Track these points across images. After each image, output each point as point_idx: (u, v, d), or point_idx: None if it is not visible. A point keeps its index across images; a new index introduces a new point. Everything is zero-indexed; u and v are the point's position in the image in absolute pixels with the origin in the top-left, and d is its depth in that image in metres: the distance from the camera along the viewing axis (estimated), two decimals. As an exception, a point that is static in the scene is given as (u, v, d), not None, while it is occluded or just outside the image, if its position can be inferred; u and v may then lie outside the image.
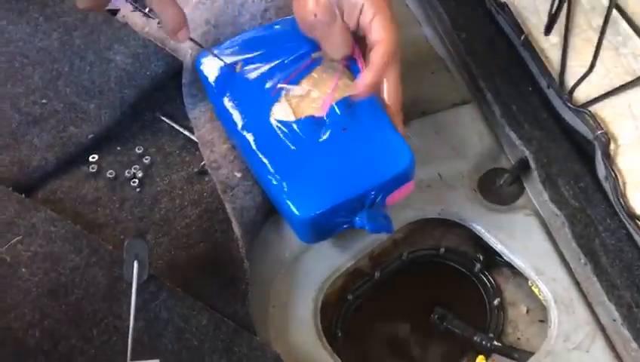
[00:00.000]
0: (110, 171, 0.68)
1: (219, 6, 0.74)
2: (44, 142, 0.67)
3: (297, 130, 0.63)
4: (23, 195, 0.63)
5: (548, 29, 0.73)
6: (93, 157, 0.68)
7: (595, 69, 0.72)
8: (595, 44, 0.71)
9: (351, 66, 0.66)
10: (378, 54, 0.60)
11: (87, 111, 0.69)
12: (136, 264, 0.53)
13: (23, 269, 0.58)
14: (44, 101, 0.70)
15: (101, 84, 0.71)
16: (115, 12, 0.77)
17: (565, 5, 0.76)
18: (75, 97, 0.70)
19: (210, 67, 0.67)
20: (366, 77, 0.60)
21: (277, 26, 0.70)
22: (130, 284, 0.54)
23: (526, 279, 0.67)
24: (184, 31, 0.59)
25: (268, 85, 0.65)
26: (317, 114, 0.63)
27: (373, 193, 0.61)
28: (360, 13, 0.61)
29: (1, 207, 0.61)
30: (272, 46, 0.68)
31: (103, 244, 0.60)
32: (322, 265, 0.66)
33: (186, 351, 0.55)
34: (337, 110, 0.63)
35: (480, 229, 0.69)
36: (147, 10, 0.66)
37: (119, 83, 0.71)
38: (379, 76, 0.61)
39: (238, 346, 0.56)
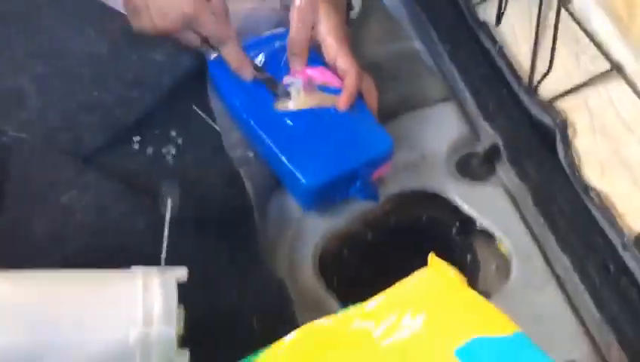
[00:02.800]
0: (149, 149, 0.82)
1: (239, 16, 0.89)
2: (95, 124, 0.82)
3: (297, 117, 0.77)
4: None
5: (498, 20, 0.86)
6: (136, 138, 0.83)
7: (559, 71, 0.85)
8: (559, 52, 0.85)
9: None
10: (350, 81, 0.79)
11: (131, 98, 0.84)
12: (169, 201, 0.67)
13: (77, 215, 0.71)
14: (95, 93, 0.85)
15: (142, 77, 0.85)
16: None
17: (536, 15, 0.90)
18: (120, 89, 0.85)
19: (220, 66, 0.82)
20: (344, 97, 0.79)
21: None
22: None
23: (495, 241, 0.79)
24: (247, 68, 0.76)
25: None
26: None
27: (362, 168, 0.75)
28: (328, 45, 0.81)
29: (63, 167, 0.75)
30: (276, 50, 0.83)
31: (144, 198, 0.74)
32: (321, 227, 0.79)
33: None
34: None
35: (457, 200, 0.81)
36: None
37: (158, 75, 0.85)
38: (353, 96, 0.79)
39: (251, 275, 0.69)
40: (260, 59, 0.83)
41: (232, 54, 0.80)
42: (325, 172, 0.73)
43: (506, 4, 0.84)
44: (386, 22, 1.02)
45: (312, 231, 0.78)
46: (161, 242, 0.67)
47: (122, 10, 0.89)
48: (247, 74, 0.80)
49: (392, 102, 0.89)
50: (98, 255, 0.68)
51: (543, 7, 0.85)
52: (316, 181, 0.73)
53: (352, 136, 0.76)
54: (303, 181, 0.73)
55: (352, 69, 0.79)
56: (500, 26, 0.93)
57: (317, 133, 0.76)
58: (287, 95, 0.79)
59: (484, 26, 0.95)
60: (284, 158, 0.74)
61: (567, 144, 0.80)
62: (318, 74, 0.80)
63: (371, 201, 0.78)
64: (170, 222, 0.68)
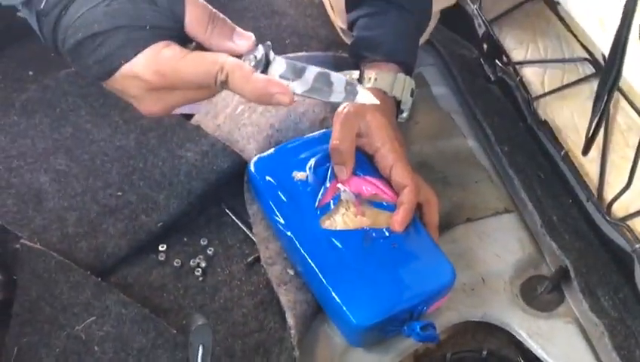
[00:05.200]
0: (177, 260, 0.73)
1: (282, 113, 0.82)
2: (118, 230, 0.74)
3: (345, 238, 0.68)
4: (99, 279, 0.68)
5: (585, 151, 0.78)
6: (162, 247, 0.74)
7: (633, 185, 0.76)
8: (632, 162, 0.76)
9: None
10: (406, 197, 0.70)
11: (157, 201, 0.76)
12: (201, 349, 0.58)
13: (96, 347, 0.63)
14: (119, 193, 0.77)
15: (171, 177, 0.78)
16: (189, 117, 0.85)
17: (603, 124, 0.81)
18: (147, 189, 0.77)
19: (263, 170, 0.74)
20: (400, 217, 0.69)
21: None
22: (193, 368, 0.58)
23: (566, 385, 0.69)
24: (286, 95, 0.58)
25: (315, 192, 0.71)
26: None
27: (420, 304, 0.66)
28: (381, 156, 0.72)
29: (80, 289, 0.67)
30: (323, 154, 0.74)
31: (168, 328, 0.65)
32: (369, 362, 0.70)
33: None
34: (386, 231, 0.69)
35: (521, 334, 0.71)
36: None
37: (188, 176, 0.77)
38: (410, 214, 0.70)
39: None
40: (309, 164, 0.74)
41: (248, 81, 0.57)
42: (378, 311, 0.64)
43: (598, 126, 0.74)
44: (436, 115, 0.94)
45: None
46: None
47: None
48: (284, 99, 0.57)
49: (445, 210, 0.80)
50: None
51: (609, 108, 0.76)
52: (367, 321, 0.63)
53: (409, 266, 0.67)
54: (353, 321, 0.63)
55: (409, 183, 0.71)
56: (561, 127, 0.85)
57: (368, 261, 0.67)
58: (337, 210, 0.70)
59: (545, 125, 0.87)
60: (330, 289, 0.65)
61: (648, 274, 0.70)
62: (370, 186, 0.72)
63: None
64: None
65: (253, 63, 0.57)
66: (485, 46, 1.02)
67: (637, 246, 0.72)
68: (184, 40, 0.57)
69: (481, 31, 1.02)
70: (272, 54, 0.58)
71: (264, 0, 1.07)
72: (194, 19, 0.56)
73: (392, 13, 0.78)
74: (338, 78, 0.59)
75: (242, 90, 0.56)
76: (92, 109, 0.84)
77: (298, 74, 0.58)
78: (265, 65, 0.58)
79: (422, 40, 0.92)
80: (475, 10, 1.03)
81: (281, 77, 0.58)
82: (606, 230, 0.77)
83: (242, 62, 0.57)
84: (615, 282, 0.73)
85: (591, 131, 0.75)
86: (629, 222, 0.75)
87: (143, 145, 0.81)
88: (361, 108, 0.73)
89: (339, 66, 0.86)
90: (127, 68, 0.55)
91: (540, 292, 0.75)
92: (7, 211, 0.74)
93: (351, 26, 0.82)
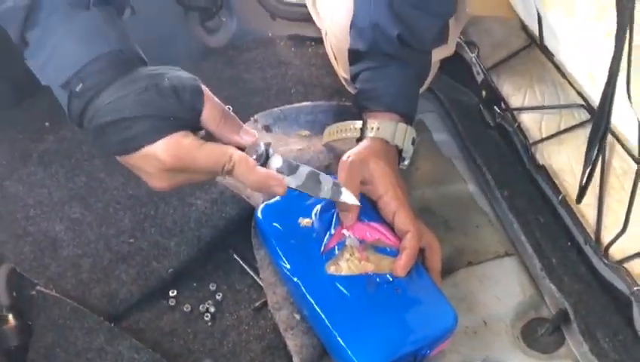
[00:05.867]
0: (186, 305, 0.76)
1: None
2: (130, 276, 0.76)
3: (350, 283, 0.70)
4: (112, 324, 0.71)
5: (579, 199, 0.81)
6: (172, 292, 0.77)
7: (630, 228, 0.79)
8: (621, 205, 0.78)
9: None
10: (408, 243, 0.73)
11: (168, 248, 0.79)
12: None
13: (107, 396, 0.65)
14: (131, 240, 0.80)
15: (182, 224, 0.80)
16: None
17: (597, 170, 0.84)
18: (158, 236, 0.80)
19: (269, 217, 0.77)
20: (403, 262, 0.72)
21: None
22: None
23: None
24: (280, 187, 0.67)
25: (321, 238, 0.74)
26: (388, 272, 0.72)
27: (423, 348, 0.68)
28: (384, 203, 0.75)
29: (93, 334, 0.69)
30: (328, 200, 0.77)
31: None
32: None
33: None
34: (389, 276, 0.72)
35: (523, 376, 0.73)
36: None
37: (198, 223, 0.80)
38: (412, 259, 0.72)
39: None
40: (315, 210, 0.77)
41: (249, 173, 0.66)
42: (382, 355, 0.65)
43: (591, 169, 0.77)
44: (437, 161, 0.97)
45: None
46: None
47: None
48: (279, 190, 0.67)
49: (447, 254, 0.83)
50: None
51: (605, 154, 0.79)
52: None
53: (412, 311, 0.69)
54: None
55: (411, 229, 0.73)
56: (558, 171, 0.87)
57: (372, 305, 0.69)
58: (342, 256, 0.73)
59: (543, 170, 0.90)
60: (336, 333, 0.67)
61: (646, 316, 0.72)
62: (374, 232, 0.74)
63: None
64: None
65: (254, 156, 0.66)
66: (484, 93, 1.05)
67: (635, 288, 0.74)
68: (197, 127, 0.64)
69: (479, 78, 1.06)
70: (271, 150, 0.68)
71: (270, 51, 1.12)
72: (210, 115, 0.64)
73: (393, 67, 0.81)
74: (326, 179, 0.71)
75: (245, 179, 0.65)
76: (106, 158, 0.87)
77: (292, 170, 0.69)
78: (265, 159, 0.67)
79: (422, 89, 0.95)
80: (474, 59, 1.07)
81: (277, 170, 0.68)
82: (604, 273, 0.79)
83: (247, 155, 0.65)
84: (615, 324, 0.75)
85: (584, 180, 0.77)
86: (626, 265, 0.77)
87: (154, 193, 0.84)
88: (364, 156, 0.76)
89: (342, 115, 0.91)
90: (148, 149, 0.61)
91: (540, 335, 0.76)
92: (23, 258, 0.77)
93: (354, 77, 0.86)
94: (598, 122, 0.68)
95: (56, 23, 0.61)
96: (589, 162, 0.74)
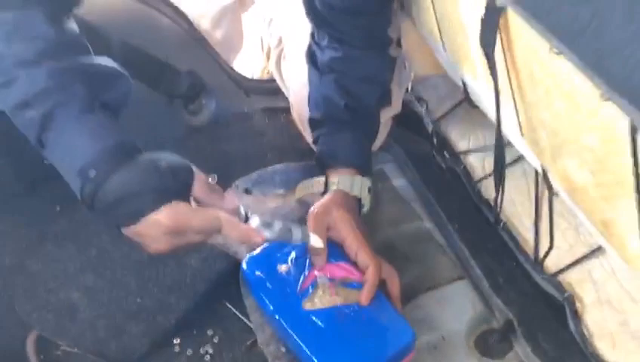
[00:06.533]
0: (189, 350, 0.89)
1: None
2: (140, 330, 0.90)
3: (323, 315, 0.84)
4: (126, 372, 0.84)
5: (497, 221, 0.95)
6: (176, 340, 0.90)
7: (561, 244, 0.92)
8: (558, 225, 0.92)
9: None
10: (370, 276, 0.86)
11: (170, 303, 0.92)
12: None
13: None
14: (138, 300, 0.94)
15: (179, 281, 0.94)
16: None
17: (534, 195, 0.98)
18: (160, 294, 0.94)
19: (253, 267, 0.90)
20: (366, 292, 0.86)
21: None
22: None
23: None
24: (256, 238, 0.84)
25: (297, 280, 0.88)
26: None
27: (390, 361, 0.81)
28: (348, 245, 0.89)
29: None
30: (300, 248, 0.91)
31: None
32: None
33: None
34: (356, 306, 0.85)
35: (479, 380, 0.86)
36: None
37: (193, 279, 0.94)
38: (374, 289, 0.86)
39: None
40: (291, 256, 0.91)
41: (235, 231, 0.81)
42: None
43: (503, 187, 0.93)
44: (397, 204, 1.11)
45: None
46: None
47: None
48: (258, 240, 0.84)
49: (409, 282, 0.96)
50: None
51: (539, 185, 0.94)
52: None
53: (376, 332, 0.82)
54: None
55: (371, 264, 0.87)
56: (503, 202, 1.02)
57: (342, 330, 0.82)
58: (315, 293, 0.86)
59: (487, 203, 1.04)
60: (314, 359, 0.80)
61: (577, 318, 0.85)
62: (341, 270, 0.88)
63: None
64: None
65: (237, 218, 0.83)
66: (435, 140, 1.21)
67: (565, 295, 0.87)
68: (189, 197, 0.81)
69: (429, 128, 1.22)
70: (249, 212, 0.87)
71: (247, 124, 1.28)
72: (199, 188, 0.80)
73: (345, 130, 0.97)
74: (296, 229, 0.89)
75: (231, 234, 0.80)
76: (111, 232, 1.02)
77: (268, 226, 0.87)
78: (245, 219, 0.85)
79: (379, 144, 1.11)
80: (423, 112, 1.23)
81: (256, 226, 0.86)
82: (542, 285, 0.92)
83: (232, 217, 0.81)
84: (552, 327, 0.88)
85: (499, 204, 0.92)
86: (559, 277, 0.90)
87: (154, 257, 0.98)
88: (328, 207, 0.91)
89: (310, 173, 1.05)
90: (152, 216, 0.75)
91: (491, 343, 0.89)
92: (47, 325, 0.91)
93: (315, 141, 1.02)
94: (497, 155, 0.83)
95: (68, 126, 0.76)
96: (497, 185, 0.88)
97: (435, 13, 0.90)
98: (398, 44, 1.08)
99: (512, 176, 1.05)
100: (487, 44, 0.66)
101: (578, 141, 0.59)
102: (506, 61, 0.69)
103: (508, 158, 1.06)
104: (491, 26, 0.64)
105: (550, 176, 0.76)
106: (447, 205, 1.07)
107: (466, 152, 1.13)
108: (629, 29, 0.41)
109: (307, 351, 0.81)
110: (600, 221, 0.64)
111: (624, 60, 0.42)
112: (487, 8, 0.65)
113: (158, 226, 0.76)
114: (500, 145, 0.79)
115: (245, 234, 0.81)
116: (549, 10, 0.49)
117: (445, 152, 1.17)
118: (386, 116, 1.10)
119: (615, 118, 0.49)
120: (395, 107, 1.10)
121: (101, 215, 0.77)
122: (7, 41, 0.74)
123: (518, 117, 0.74)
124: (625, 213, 0.56)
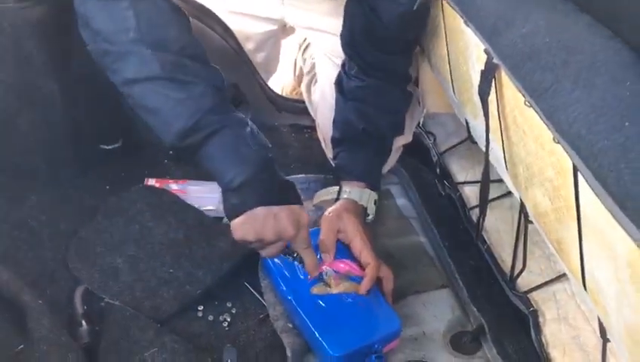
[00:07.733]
0: (210, 316, 1.06)
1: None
2: (170, 295, 1.06)
3: (328, 300, 1.01)
4: (159, 325, 1.01)
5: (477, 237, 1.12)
6: (200, 307, 1.07)
7: (534, 269, 1.09)
8: (533, 252, 1.09)
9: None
10: (369, 272, 1.03)
11: (198, 276, 1.09)
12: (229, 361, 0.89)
13: (158, 370, 0.94)
14: (171, 271, 1.10)
15: (208, 259, 1.11)
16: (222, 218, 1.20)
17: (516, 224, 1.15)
18: (190, 268, 1.10)
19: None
20: (364, 285, 1.03)
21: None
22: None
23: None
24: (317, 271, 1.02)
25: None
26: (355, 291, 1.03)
27: (377, 343, 0.97)
28: (353, 245, 1.06)
29: (146, 331, 0.99)
30: (313, 244, 1.07)
31: (205, 358, 0.96)
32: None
33: None
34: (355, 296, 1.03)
35: (450, 370, 1.02)
36: (294, 254, 1.03)
37: (220, 259, 1.11)
38: (372, 284, 1.03)
39: None
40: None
41: (310, 260, 1.01)
42: (348, 345, 0.95)
43: (484, 215, 1.10)
44: (398, 219, 1.29)
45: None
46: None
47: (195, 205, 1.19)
48: (316, 273, 1.02)
49: (400, 284, 1.12)
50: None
51: (521, 219, 1.11)
52: (340, 352, 0.95)
53: (369, 317, 0.99)
54: (330, 352, 0.95)
55: (372, 263, 1.04)
56: (488, 229, 1.19)
57: (341, 313, 0.99)
58: (322, 282, 1.03)
59: (476, 227, 1.21)
60: (316, 333, 0.97)
61: (538, 330, 1.01)
62: (345, 266, 1.05)
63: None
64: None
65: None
66: (438, 170, 1.38)
67: (530, 309, 1.04)
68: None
69: (435, 159, 1.40)
70: None
71: (277, 136, 1.46)
72: None
73: (361, 151, 1.15)
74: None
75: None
76: (154, 213, 1.19)
77: None
78: None
79: (388, 168, 1.28)
80: (431, 145, 1.41)
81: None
82: (513, 299, 1.08)
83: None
84: (517, 335, 1.04)
85: (480, 225, 1.09)
86: (528, 295, 1.07)
87: (188, 238, 1.16)
88: (339, 212, 1.08)
89: (326, 185, 1.23)
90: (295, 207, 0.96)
91: (464, 342, 1.05)
92: (94, 281, 1.08)
93: (334, 157, 1.20)
94: (482, 185, 1.00)
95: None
96: (481, 211, 1.05)
97: (449, 62, 1.08)
98: (415, 82, 1.27)
99: (499, 207, 1.22)
100: (483, 92, 0.84)
101: (542, 174, 0.76)
102: (497, 107, 0.87)
103: (497, 192, 1.24)
104: (487, 78, 0.82)
105: (525, 203, 0.93)
106: (441, 225, 1.24)
107: (464, 183, 1.31)
108: (574, 94, 0.59)
109: (310, 324, 0.98)
110: (555, 240, 0.81)
111: (568, 115, 0.59)
112: (486, 64, 0.83)
113: (295, 215, 0.95)
114: (487, 172, 0.96)
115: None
116: (525, 73, 0.67)
117: (446, 181, 1.34)
118: (398, 144, 1.27)
119: (564, 156, 0.66)
120: (407, 137, 1.28)
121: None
122: None
123: (504, 153, 0.92)
124: (571, 232, 0.73)
